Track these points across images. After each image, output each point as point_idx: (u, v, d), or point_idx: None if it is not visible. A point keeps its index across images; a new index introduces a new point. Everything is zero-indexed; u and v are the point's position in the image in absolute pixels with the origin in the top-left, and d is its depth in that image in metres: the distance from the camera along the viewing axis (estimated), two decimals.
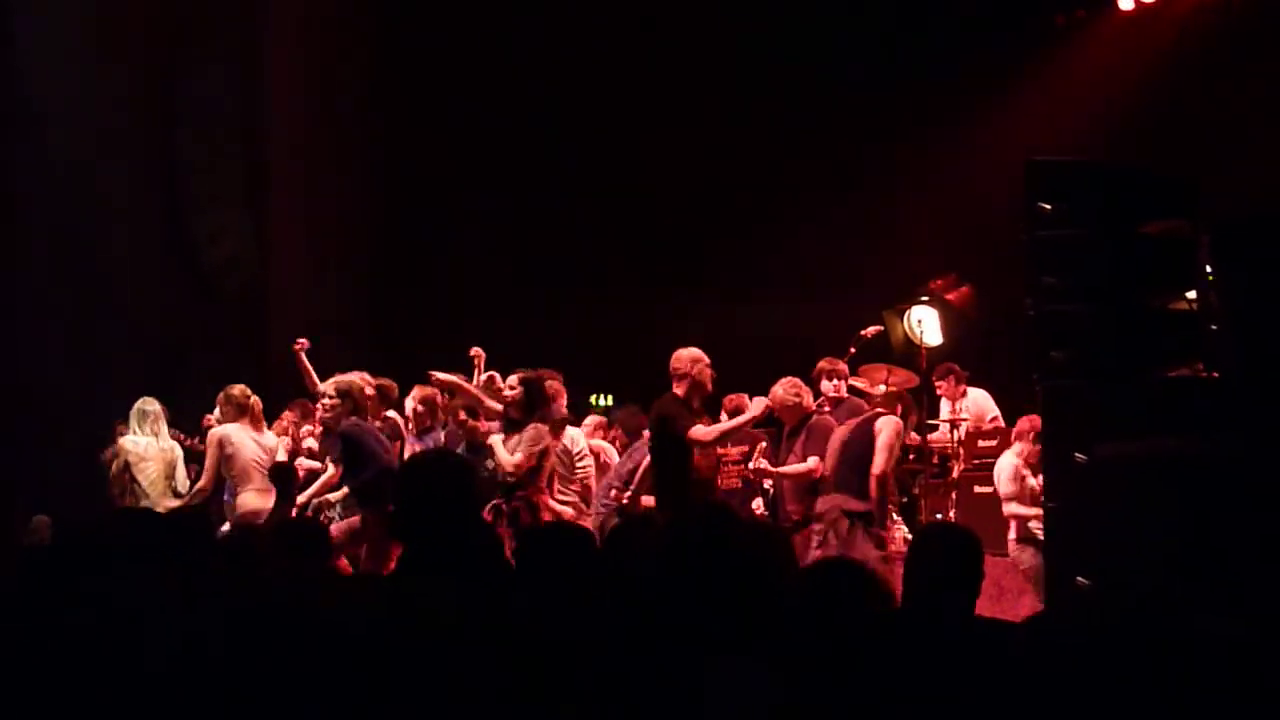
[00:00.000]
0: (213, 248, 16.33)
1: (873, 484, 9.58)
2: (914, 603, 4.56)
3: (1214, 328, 7.58)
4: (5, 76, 14.63)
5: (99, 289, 15.01)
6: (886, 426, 9.66)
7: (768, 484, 11.08)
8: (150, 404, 11.63)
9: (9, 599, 4.35)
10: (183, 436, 12.26)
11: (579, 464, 10.85)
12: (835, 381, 10.74)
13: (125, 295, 15.19)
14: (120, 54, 15.46)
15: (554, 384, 11.11)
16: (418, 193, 17.23)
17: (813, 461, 10.05)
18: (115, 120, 15.30)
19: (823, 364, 11.06)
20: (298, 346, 11.33)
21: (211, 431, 11.27)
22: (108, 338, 14.85)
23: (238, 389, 11.31)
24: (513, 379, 10.13)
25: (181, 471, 11.71)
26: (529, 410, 9.94)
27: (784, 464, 10.40)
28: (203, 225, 16.35)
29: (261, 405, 11.35)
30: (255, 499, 10.93)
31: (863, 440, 9.65)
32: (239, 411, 11.20)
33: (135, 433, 11.55)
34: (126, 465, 11.44)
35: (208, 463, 11.08)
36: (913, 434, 11.69)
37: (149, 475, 11.40)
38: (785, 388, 10.41)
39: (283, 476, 11.15)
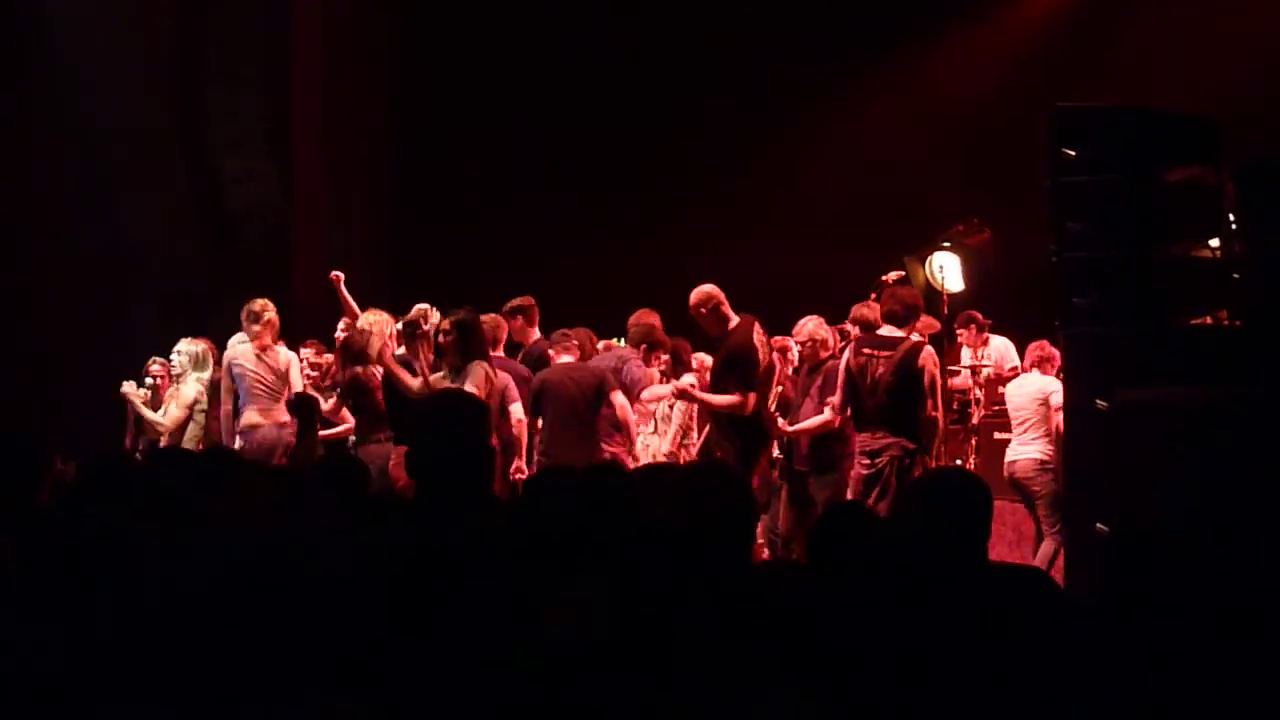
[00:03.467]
0: (236, 192, 16.34)
1: (926, 424, 9.38)
2: (919, 548, 4.54)
3: (1237, 275, 7.58)
4: (29, 23, 14.63)
5: (121, 234, 15.04)
6: (928, 362, 9.37)
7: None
8: (198, 344, 11.84)
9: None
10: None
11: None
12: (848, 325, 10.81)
13: (148, 240, 15.22)
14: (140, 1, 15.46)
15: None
16: (440, 135, 17.22)
17: (827, 413, 10.01)
18: (137, 66, 15.29)
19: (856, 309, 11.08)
20: (334, 277, 11.23)
21: (225, 354, 11.34)
22: (130, 283, 14.90)
23: (258, 303, 11.28)
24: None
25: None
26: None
27: (799, 403, 10.41)
28: (226, 170, 16.35)
29: (256, 315, 11.19)
30: (255, 415, 10.94)
31: (908, 376, 9.31)
32: (255, 326, 11.21)
33: (193, 374, 11.77)
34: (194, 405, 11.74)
35: (223, 385, 11.21)
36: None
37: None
38: (817, 324, 10.44)
39: (303, 407, 11.15)
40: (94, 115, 14.92)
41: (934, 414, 9.37)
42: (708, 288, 9.97)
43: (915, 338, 9.78)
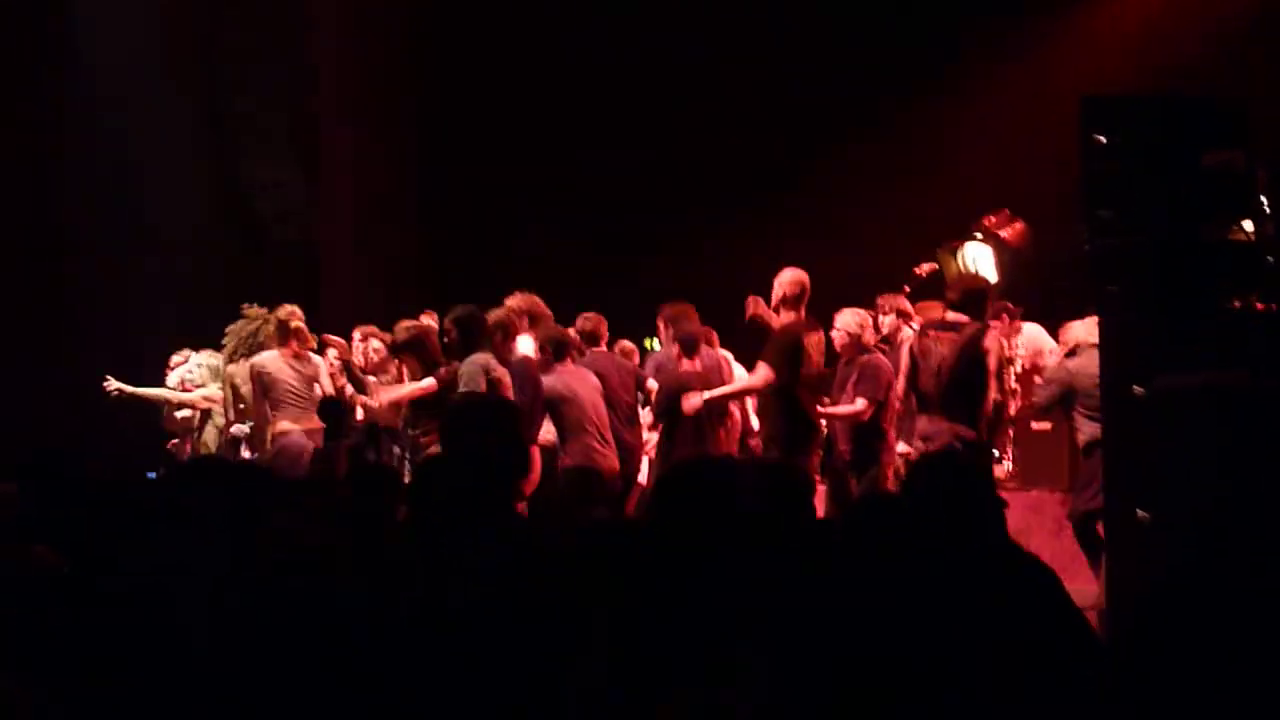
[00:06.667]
0: (264, 201, 16.41)
1: (988, 411, 9.44)
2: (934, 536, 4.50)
3: (1271, 259, 7.55)
4: (57, 31, 14.72)
5: (149, 241, 15.12)
6: (994, 346, 9.44)
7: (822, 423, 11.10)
8: (217, 356, 11.91)
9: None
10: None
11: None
12: (894, 317, 10.92)
13: (176, 247, 15.29)
14: (168, 9, 15.52)
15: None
16: (467, 139, 17.23)
17: (860, 403, 10.07)
18: (163, 75, 15.37)
19: (882, 299, 11.18)
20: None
21: (251, 362, 11.29)
22: (158, 291, 14.97)
23: (284, 310, 11.30)
24: (446, 322, 9.81)
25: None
26: (465, 349, 9.46)
27: (835, 399, 10.41)
28: (253, 176, 16.42)
29: (284, 324, 11.26)
30: (285, 423, 11.02)
31: (970, 359, 9.37)
32: (281, 337, 11.20)
33: (214, 384, 11.84)
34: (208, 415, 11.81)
35: (253, 393, 11.17)
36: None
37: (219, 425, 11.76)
38: (852, 316, 10.42)
39: (332, 412, 11.01)
40: (121, 124, 14.99)
41: (996, 398, 9.42)
42: (801, 274, 10.14)
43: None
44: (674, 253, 15.43)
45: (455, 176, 17.35)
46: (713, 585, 3.71)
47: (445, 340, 9.82)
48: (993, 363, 9.40)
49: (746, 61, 16.32)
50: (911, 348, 9.81)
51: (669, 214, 16.19)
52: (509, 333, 10.23)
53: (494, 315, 10.16)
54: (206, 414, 12.15)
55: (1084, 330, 10.08)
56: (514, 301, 10.65)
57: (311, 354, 11.29)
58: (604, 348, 10.98)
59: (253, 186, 16.57)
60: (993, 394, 9.42)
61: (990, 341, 9.48)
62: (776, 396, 9.94)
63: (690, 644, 3.47)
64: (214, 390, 11.98)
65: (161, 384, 12.52)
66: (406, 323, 10.73)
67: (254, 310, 11.40)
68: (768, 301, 10.34)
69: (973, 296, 9.78)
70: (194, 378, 12.05)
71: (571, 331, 10.90)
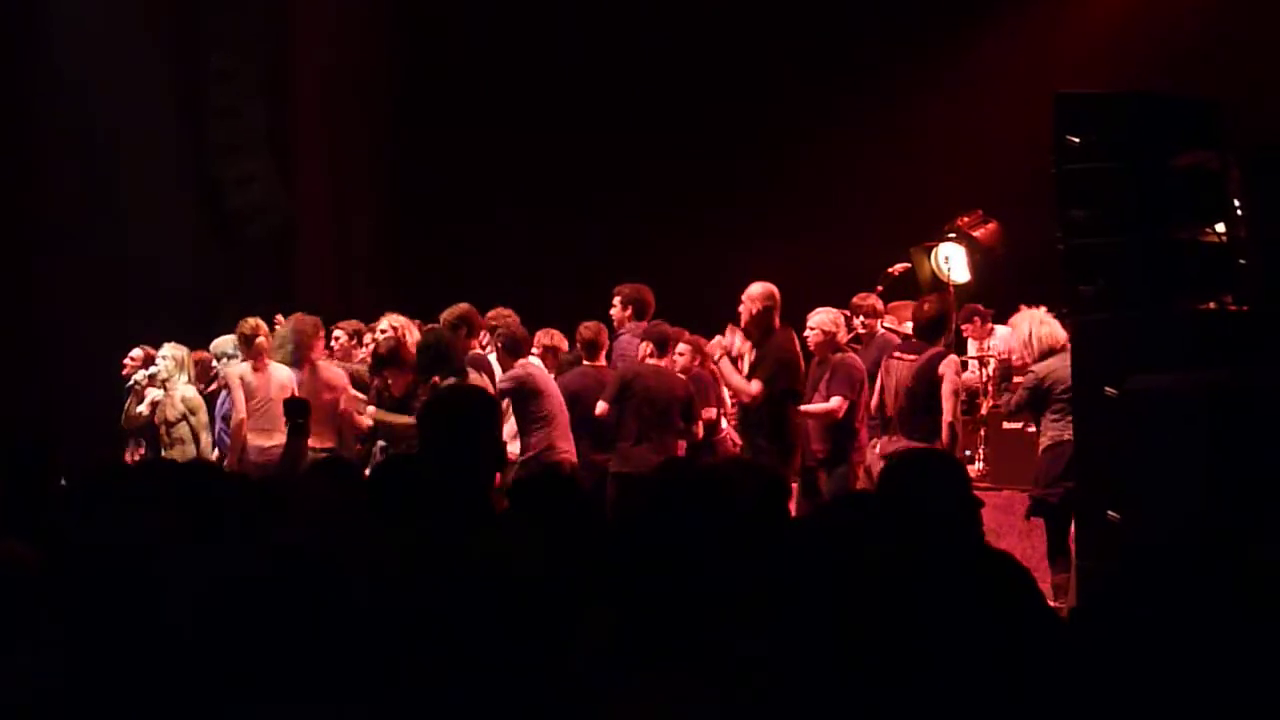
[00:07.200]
0: (240, 193, 16.35)
1: (944, 433, 9.57)
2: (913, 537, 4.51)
3: (1243, 260, 7.57)
4: (31, 28, 14.65)
5: (124, 237, 15.05)
6: (949, 370, 9.62)
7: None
8: (181, 349, 11.78)
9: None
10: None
11: None
12: (865, 318, 11.09)
13: (151, 243, 15.21)
14: (145, 1, 15.49)
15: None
16: (443, 132, 17.19)
17: (834, 401, 10.10)
18: (139, 69, 15.30)
19: (856, 299, 11.27)
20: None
21: (229, 370, 11.22)
22: (133, 285, 14.89)
23: (249, 324, 11.22)
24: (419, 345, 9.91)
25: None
26: (430, 369, 9.56)
27: (809, 397, 10.42)
28: (229, 171, 16.36)
29: (248, 339, 11.12)
30: (253, 437, 10.88)
31: (927, 383, 9.60)
32: (247, 349, 11.15)
33: (180, 377, 11.70)
34: (184, 414, 11.62)
35: (234, 397, 11.07)
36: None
37: (203, 422, 11.64)
38: (826, 315, 10.46)
39: (296, 410, 10.88)
40: (96, 118, 14.93)
41: (949, 420, 9.60)
42: (771, 287, 10.20)
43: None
44: (651, 252, 15.40)
45: (432, 171, 17.30)
46: (696, 580, 3.70)
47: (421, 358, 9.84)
48: (947, 387, 9.58)
49: (720, 62, 16.31)
50: (881, 367, 10.08)
51: (645, 214, 16.17)
52: (473, 328, 10.30)
53: (456, 310, 10.27)
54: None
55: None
56: (491, 315, 10.72)
57: (275, 365, 11.25)
58: (603, 360, 10.87)
59: (227, 181, 16.51)
60: (948, 416, 9.59)
61: (945, 366, 9.64)
62: (773, 405, 10.01)
63: (675, 638, 3.47)
64: (191, 394, 11.78)
65: (123, 380, 12.38)
66: (389, 319, 10.81)
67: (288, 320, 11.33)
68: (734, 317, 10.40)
69: (934, 321, 9.98)
70: (158, 370, 11.90)
71: (546, 338, 10.95)
